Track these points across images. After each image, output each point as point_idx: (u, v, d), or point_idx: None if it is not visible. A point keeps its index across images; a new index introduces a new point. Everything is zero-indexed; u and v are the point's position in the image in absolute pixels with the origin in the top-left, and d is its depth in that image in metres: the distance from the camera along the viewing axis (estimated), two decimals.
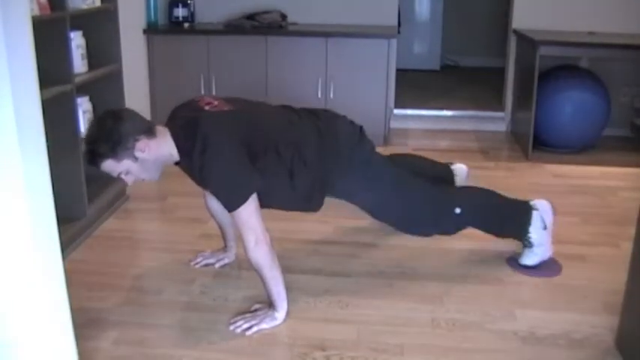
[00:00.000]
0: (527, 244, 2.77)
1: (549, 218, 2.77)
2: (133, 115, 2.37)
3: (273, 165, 2.38)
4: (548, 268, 2.79)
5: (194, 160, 2.26)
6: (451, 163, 3.18)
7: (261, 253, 2.29)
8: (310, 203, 2.57)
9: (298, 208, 2.61)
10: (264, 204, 2.32)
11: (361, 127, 2.65)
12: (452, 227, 2.78)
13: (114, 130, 2.25)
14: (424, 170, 2.97)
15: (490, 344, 2.26)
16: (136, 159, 2.28)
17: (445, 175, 3.12)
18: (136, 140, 2.26)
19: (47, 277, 1.75)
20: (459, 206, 2.68)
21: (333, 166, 2.51)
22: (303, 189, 2.47)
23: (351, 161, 2.55)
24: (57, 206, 1.77)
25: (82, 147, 3.00)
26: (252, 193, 2.26)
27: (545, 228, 2.75)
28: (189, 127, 2.31)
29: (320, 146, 2.49)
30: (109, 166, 2.28)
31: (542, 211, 2.75)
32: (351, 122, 2.65)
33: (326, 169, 2.50)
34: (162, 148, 2.32)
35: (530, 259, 2.78)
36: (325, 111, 2.69)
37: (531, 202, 2.78)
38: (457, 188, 2.82)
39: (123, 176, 2.33)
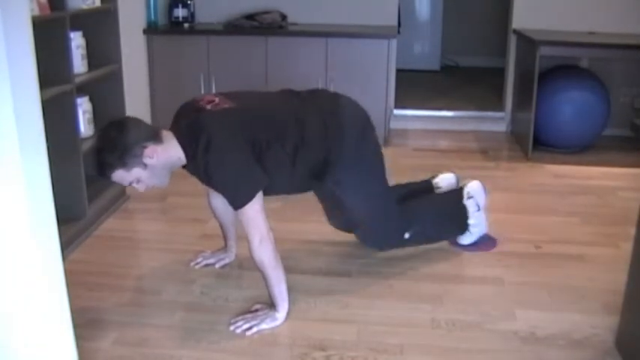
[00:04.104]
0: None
1: (482, 199, 2.93)
2: (138, 122, 2.37)
3: (276, 157, 2.38)
4: (484, 243, 2.99)
5: (199, 161, 2.27)
6: (433, 177, 3.11)
7: (265, 252, 2.29)
8: (305, 185, 2.60)
9: (293, 191, 2.64)
10: (265, 191, 2.33)
11: (368, 117, 2.66)
12: (395, 246, 2.86)
13: (120, 140, 2.25)
14: (401, 194, 2.96)
15: (490, 344, 2.26)
16: (145, 166, 2.28)
17: (425, 190, 3.09)
18: (144, 147, 2.26)
19: (47, 277, 1.75)
20: (408, 232, 2.75)
21: (336, 146, 2.49)
22: (302, 172, 2.48)
23: (354, 144, 2.54)
24: (57, 206, 1.77)
25: (83, 147, 3.02)
26: (257, 191, 2.27)
27: (479, 210, 2.91)
28: (192, 128, 2.31)
29: (324, 126, 2.48)
30: (119, 176, 2.28)
31: (476, 196, 2.90)
32: (358, 109, 2.65)
33: (328, 148, 2.48)
34: (170, 152, 2.32)
35: (466, 238, 2.96)
36: (326, 92, 2.73)
37: (465, 190, 2.90)
38: (409, 212, 2.81)
39: (135, 185, 2.33)
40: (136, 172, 2.28)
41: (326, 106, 2.58)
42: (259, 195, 2.28)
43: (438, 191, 3.06)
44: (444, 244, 2.99)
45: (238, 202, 2.27)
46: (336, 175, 2.52)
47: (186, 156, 2.34)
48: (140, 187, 2.35)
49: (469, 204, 2.88)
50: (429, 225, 2.87)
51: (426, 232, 2.85)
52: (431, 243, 2.95)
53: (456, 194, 2.93)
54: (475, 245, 2.96)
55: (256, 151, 2.31)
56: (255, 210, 2.27)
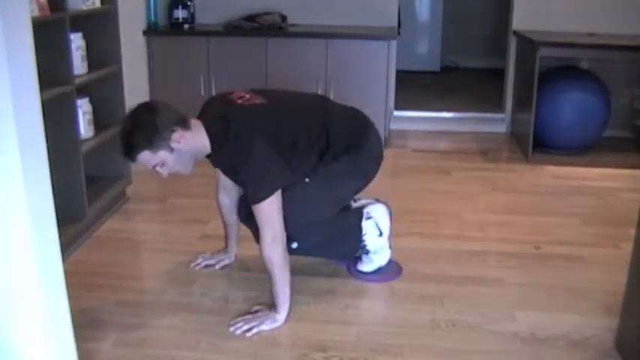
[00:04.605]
0: (364, 251, 2.71)
1: (386, 223, 2.69)
2: (167, 107, 2.38)
3: (300, 157, 2.40)
4: (387, 272, 2.75)
5: (225, 154, 2.30)
6: (355, 200, 2.80)
7: (275, 251, 2.30)
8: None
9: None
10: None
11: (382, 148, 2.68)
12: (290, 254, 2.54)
13: (150, 122, 2.25)
14: None
15: (490, 345, 2.26)
16: (172, 150, 2.28)
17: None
18: (173, 131, 2.26)
19: (47, 279, 1.75)
20: (296, 242, 2.52)
21: (350, 151, 2.48)
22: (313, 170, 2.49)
23: (357, 157, 2.52)
24: (57, 207, 1.77)
25: (83, 148, 3.01)
26: (278, 188, 2.28)
27: (380, 234, 2.68)
28: (221, 120, 2.33)
29: (348, 135, 2.49)
30: (145, 157, 2.27)
31: (376, 218, 2.67)
32: (378, 136, 2.65)
33: (343, 150, 2.48)
34: (197, 139, 2.33)
35: (367, 265, 2.74)
36: (355, 108, 2.67)
37: (366, 210, 2.68)
38: (306, 224, 2.55)
39: (158, 168, 2.33)
40: (162, 155, 2.28)
41: (353, 116, 2.59)
42: (278, 193, 2.29)
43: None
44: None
45: (258, 197, 2.27)
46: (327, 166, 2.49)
47: (212, 146, 2.35)
48: (163, 172, 2.35)
49: (367, 225, 2.65)
50: (318, 240, 2.61)
51: (314, 247, 2.62)
52: (326, 257, 2.79)
53: (354, 213, 2.69)
54: (377, 274, 2.73)
55: (282, 148, 2.33)
56: (272, 207, 2.28)
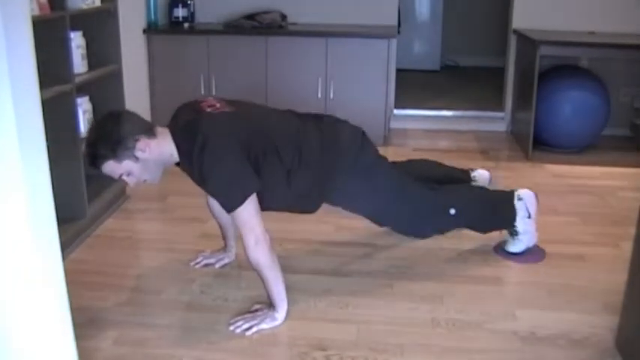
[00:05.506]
0: (513, 232, 2.88)
1: (533, 207, 2.87)
2: (132, 115, 2.39)
3: (271, 166, 2.38)
4: (533, 254, 2.91)
5: (194, 161, 2.27)
6: (472, 170, 3.20)
7: (261, 254, 2.29)
8: (306, 204, 2.60)
9: (294, 208, 2.63)
10: (262, 205, 2.33)
11: (363, 132, 2.67)
12: (447, 227, 2.89)
13: (114, 131, 2.26)
14: (437, 176, 2.99)
15: (490, 344, 2.26)
16: (136, 159, 2.28)
17: (461, 180, 3.14)
18: (136, 140, 2.26)
19: (47, 277, 1.75)
20: (454, 207, 2.74)
21: (335, 170, 2.52)
22: (300, 189, 2.48)
23: (354, 165, 2.55)
24: (57, 206, 1.77)
25: (83, 147, 3.00)
26: (251, 194, 2.27)
27: (529, 217, 2.85)
28: (189, 128, 2.32)
29: (322, 149, 2.49)
30: (110, 167, 2.28)
31: (526, 200, 2.85)
32: (354, 126, 2.66)
33: (327, 172, 2.50)
34: (162, 148, 2.33)
35: (515, 246, 2.89)
36: (328, 116, 2.71)
37: (516, 193, 2.87)
38: (453, 190, 2.87)
39: (124, 177, 2.33)
40: (127, 164, 2.28)
41: (325, 127, 2.59)
42: (252, 197, 2.27)
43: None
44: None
45: (231, 204, 2.27)
46: (342, 189, 2.55)
47: (180, 154, 2.34)
48: (130, 181, 2.35)
49: (519, 206, 2.83)
50: (475, 206, 2.84)
51: (471, 211, 2.82)
52: (478, 229, 2.91)
53: (506, 193, 2.90)
54: (523, 255, 2.88)
55: (252, 157, 2.31)
56: (248, 212, 2.26)
